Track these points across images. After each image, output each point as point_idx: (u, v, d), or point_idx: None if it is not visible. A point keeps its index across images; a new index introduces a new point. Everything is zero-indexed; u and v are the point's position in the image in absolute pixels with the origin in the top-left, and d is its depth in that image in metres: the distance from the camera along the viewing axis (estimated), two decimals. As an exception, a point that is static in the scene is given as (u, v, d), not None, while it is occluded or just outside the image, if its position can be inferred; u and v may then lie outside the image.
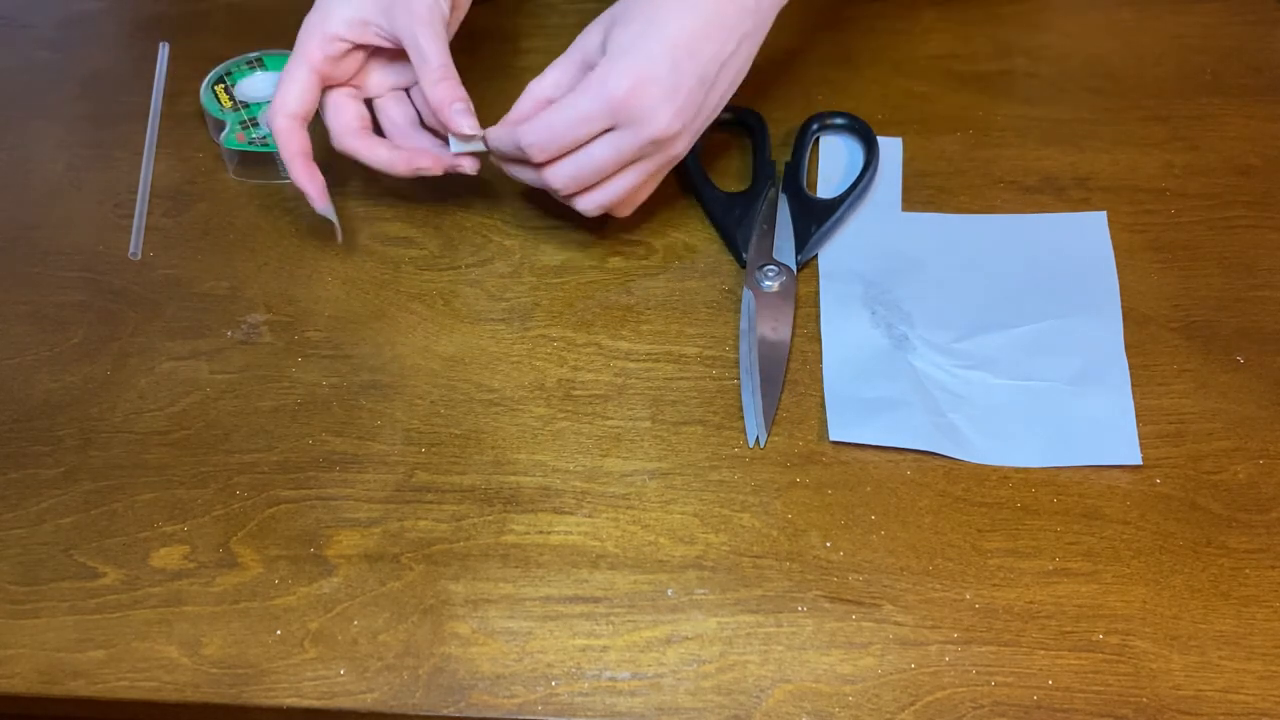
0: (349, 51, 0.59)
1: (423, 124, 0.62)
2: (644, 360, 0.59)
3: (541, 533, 0.53)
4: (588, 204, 0.58)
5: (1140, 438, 0.55)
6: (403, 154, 0.60)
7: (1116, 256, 0.62)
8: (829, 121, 0.69)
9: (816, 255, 0.63)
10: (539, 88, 0.58)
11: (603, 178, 0.57)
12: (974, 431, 0.55)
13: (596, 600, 0.50)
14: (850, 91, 0.72)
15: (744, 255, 0.62)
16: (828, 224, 0.63)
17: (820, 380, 0.57)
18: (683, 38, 0.54)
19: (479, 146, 0.58)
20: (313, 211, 0.62)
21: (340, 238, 0.63)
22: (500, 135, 0.57)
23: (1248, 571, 0.50)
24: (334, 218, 0.61)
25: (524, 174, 0.58)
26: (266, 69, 0.72)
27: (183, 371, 0.59)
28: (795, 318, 0.60)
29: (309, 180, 0.60)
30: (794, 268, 0.61)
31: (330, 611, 0.50)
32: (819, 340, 0.59)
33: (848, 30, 0.76)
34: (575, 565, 0.52)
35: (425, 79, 0.57)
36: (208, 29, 0.78)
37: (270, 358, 0.60)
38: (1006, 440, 0.55)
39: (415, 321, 0.61)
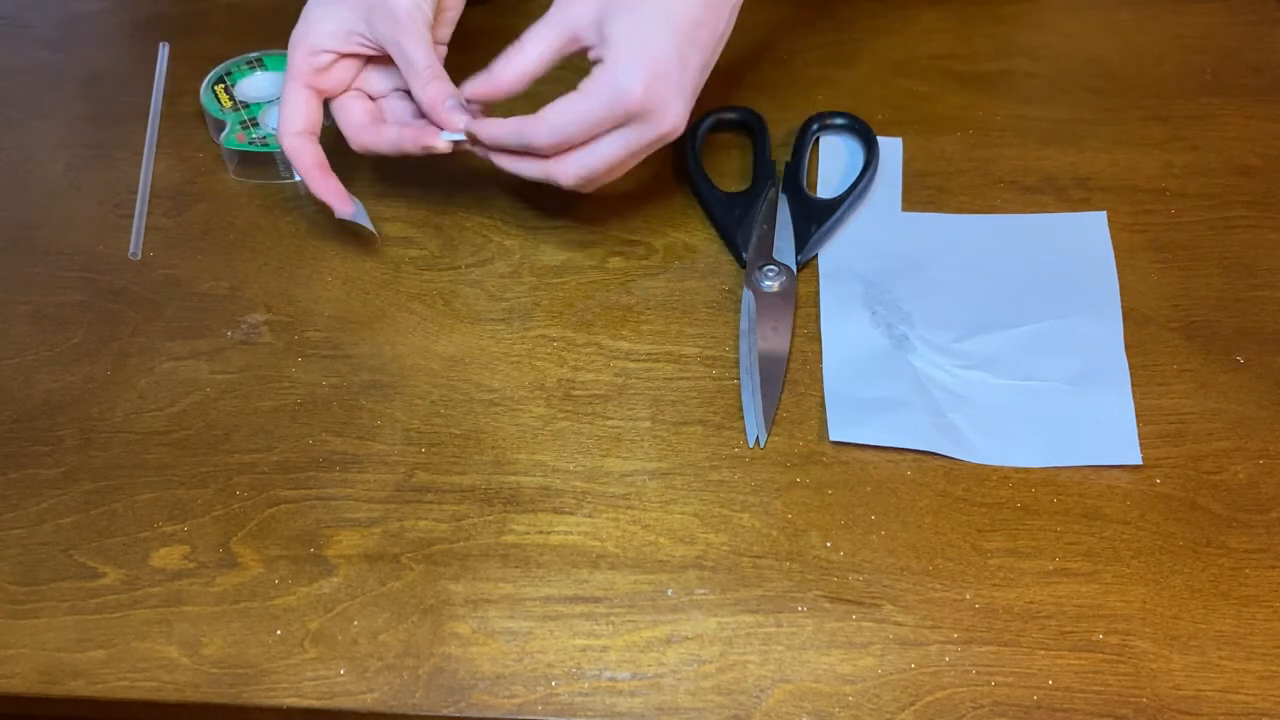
0: (337, 61, 0.59)
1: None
2: (644, 360, 0.59)
3: (541, 533, 0.53)
4: (571, 177, 0.57)
5: (1140, 438, 0.55)
6: (409, 131, 0.59)
7: (1116, 256, 0.62)
8: (829, 121, 0.69)
9: (816, 255, 0.63)
10: (523, 60, 0.56)
11: (609, 170, 0.56)
12: (974, 431, 0.55)
13: (596, 600, 0.50)
14: (850, 91, 0.72)
15: (744, 255, 0.62)
16: (828, 224, 0.63)
17: (820, 380, 0.57)
18: (686, 26, 0.54)
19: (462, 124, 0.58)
20: (312, 211, 0.62)
21: (378, 239, 0.63)
22: (505, 132, 0.56)
23: (1248, 571, 0.50)
24: (364, 221, 0.61)
25: (513, 165, 0.58)
26: (266, 69, 0.72)
27: (183, 371, 0.59)
28: (795, 318, 0.60)
29: (329, 192, 0.60)
30: (794, 268, 0.61)
31: (330, 611, 0.50)
32: (819, 340, 0.59)
33: (848, 30, 0.76)
34: (575, 565, 0.52)
35: (414, 82, 0.57)
36: (208, 29, 0.78)
37: (270, 358, 0.60)
38: (1006, 440, 0.55)
39: (415, 321, 0.61)
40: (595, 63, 0.55)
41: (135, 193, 0.68)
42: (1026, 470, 0.54)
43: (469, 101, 0.57)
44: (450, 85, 0.57)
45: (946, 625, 0.49)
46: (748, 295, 0.60)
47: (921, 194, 0.66)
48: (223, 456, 0.56)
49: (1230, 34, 0.75)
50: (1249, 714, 0.47)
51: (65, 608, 0.51)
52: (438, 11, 0.59)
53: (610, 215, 0.65)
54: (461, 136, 0.58)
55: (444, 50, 0.61)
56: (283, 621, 0.50)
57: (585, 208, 0.65)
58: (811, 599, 0.50)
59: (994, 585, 0.50)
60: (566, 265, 0.63)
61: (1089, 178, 0.66)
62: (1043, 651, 0.48)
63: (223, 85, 0.71)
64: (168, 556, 0.52)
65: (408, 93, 0.63)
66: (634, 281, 0.62)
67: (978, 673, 0.48)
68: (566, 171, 0.56)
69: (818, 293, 0.61)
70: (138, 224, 0.66)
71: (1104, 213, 0.64)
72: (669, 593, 0.51)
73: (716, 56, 0.57)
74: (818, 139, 0.69)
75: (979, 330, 0.59)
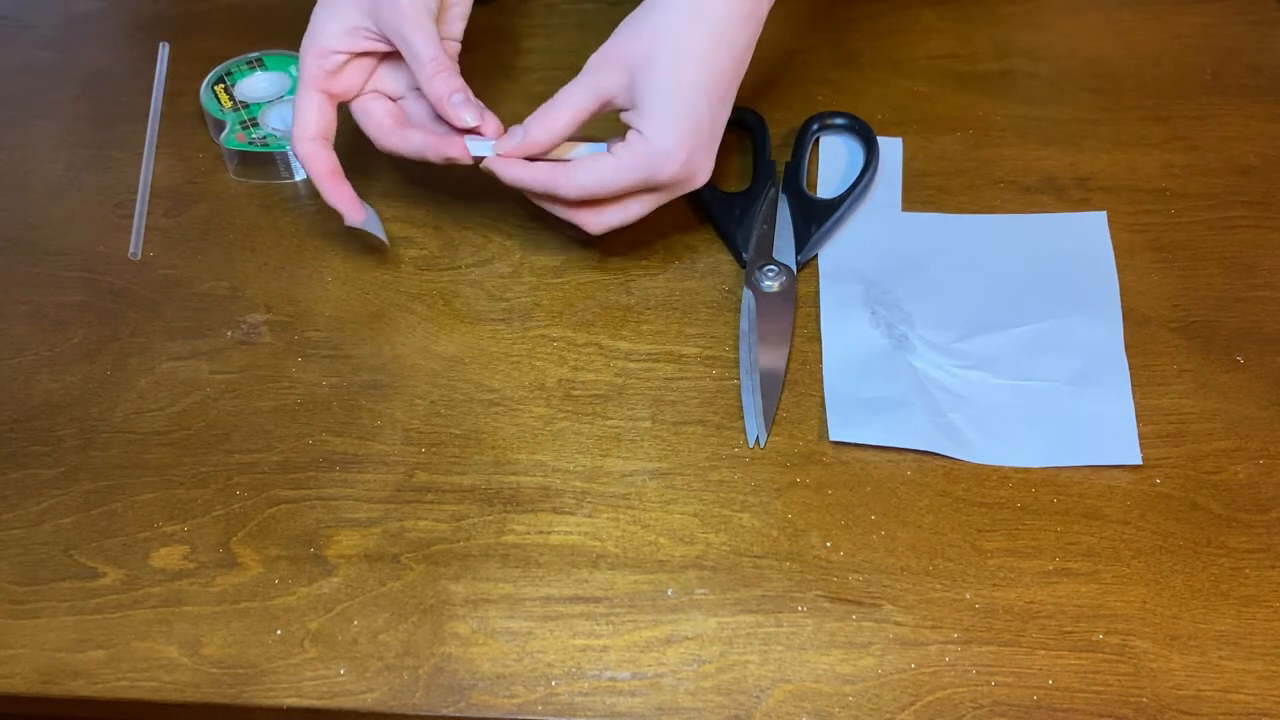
0: (349, 62, 0.59)
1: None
2: (644, 360, 0.59)
3: (541, 533, 0.53)
4: (598, 228, 0.58)
5: (1140, 438, 0.55)
6: (431, 140, 0.58)
7: (1116, 256, 0.62)
8: (829, 121, 0.69)
9: (816, 255, 0.63)
10: (556, 123, 0.56)
11: (635, 221, 0.58)
12: (974, 431, 0.55)
13: (596, 600, 0.50)
14: (850, 91, 0.72)
15: (744, 255, 0.62)
16: (828, 224, 0.63)
17: (820, 380, 0.57)
18: (719, 86, 0.55)
19: (491, 152, 0.58)
20: (312, 211, 0.62)
21: (388, 246, 0.63)
22: (532, 179, 0.56)
23: (1248, 571, 0.50)
24: (376, 229, 0.60)
25: (536, 199, 0.58)
26: (266, 69, 0.72)
27: (183, 371, 0.59)
28: (795, 318, 0.60)
29: (341, 199, 0.59)
30: (794, 268, 0.61)
31: (330, 611, 0.50)
32: (819, 340, 0.59)
33: (848, 30, 0.76)
34: (575, 565, 0.52)
35: (420, 75, 0.56)
36: (208, 29, 0.78)
37: (270, 358, 0.60)
38: (1006, 440, 0.55)
39: (415, 321, 0.61)
40: (628, 125, 0.55)
41: (135, 193, 0.68)
42: (1026, 470, 0.54)
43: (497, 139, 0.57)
44: (458, 79, 0.57)
45: (946, 625, 0.49)
46: (748, 295, 0.60)
47: (921, 194, 0.66)
48: (223, 456, 0.56)
49: (1230, 34, 0.75)
50: (1249, 714, 0.47)
51: (65, 608, 0.51)
52: (445, 7, 0.58)
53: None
54: (489, 151, 0.57)
55: (457, 47, 0.60)
56: (283, 621, 0.50)
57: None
58: (811, 599, 0.50)
59: (994, 585, 0.50)
60: (566, 265, 0.63)
61: (1089, 178, 0.66)
62: (1043, 651, 0.48)
63: (223, 85, 0.71)
64: (168, 556, 0.52)
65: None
66: (634, 281, 0.62)
67: (978, 673, 0.48)
68: (595, 223, 0.58)
69: (818, 293, 0.61)
70: (138, 224, 0.66)
71: (1104, 213, 0.64)
72: (669, 593, 0.51)
73: None
74: (818, 139, 0.69)
75: (979, 330, 0.59)
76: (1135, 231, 0.64)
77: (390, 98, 0.61)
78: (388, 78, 0.61)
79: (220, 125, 0.69)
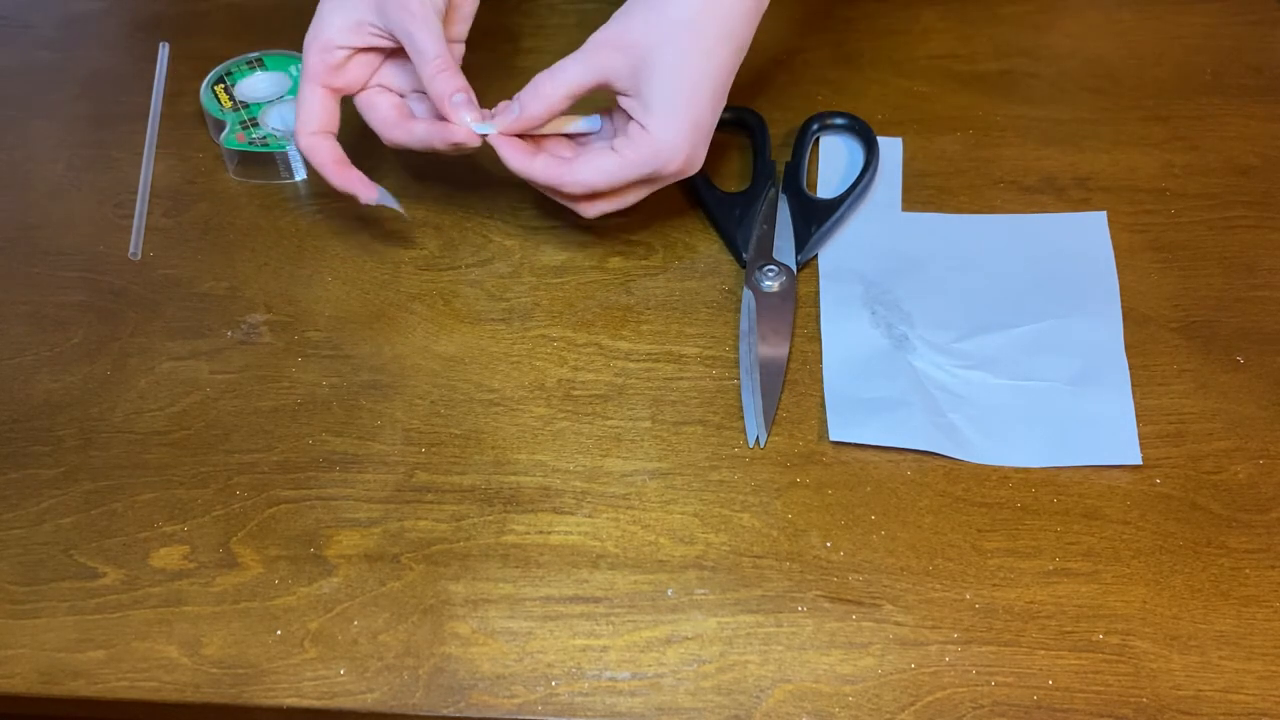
0: (352, 57, 0.59)
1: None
2: (644, 360, 0.59)
3: (541, 533, 0.53)
4: (593, 214, 0.59)
5: (1140, 438, 0.55)
6: (436, 128, 0.58)
7: (1116, 256, 0.62)
8: (829, 121, 0.69)
9: (816, 255, 0.63)
10: (551, 99, 0.56)
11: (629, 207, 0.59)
12: (974, 431, 0.55)
13: (596, 600, 0.50)
14: (850, 91, 0.72)
15: (744, 255, 0.62)
16: (828, 224, 0.63)
17: (820, 380, 0.57)
18: (721, 76, 0.55)
19: (494, 130, 0.58)
20: (312, 211, 0.62)
21: (406, 215, 0.63)
22: (533, 170, 0.57)
23: (1248, 571, 0.50)
24: (391, 201, 0.60)
25: (534, 186, 0.59)
26: (266, 69, 0.72)
27: (183, 371, 0.59)
28: (795, 318, 0.60)
29: (351, 182, 0.59)
30: (794, 268, 0.61)
31: (330, 611, 0.50)
32: (819, 340, 0.59)
33: (848, 30, 0.76)
34: (575, 565, 0.52)
35: (423, 72, 0.56)
36: (208, 29, 0.78)
37: (270, 358, 0.60)
38: (1006, 440, 0.55)
39: (415, 321, 0.61)
40: (626, 111, 0.56)
41: (135, 193, 0.68)
42: (1026, 470, 0.54)
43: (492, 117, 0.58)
44: (459, 78, 0.57)
45: (946, 625, 0.49)
46: (748, 295, 0.60)
47: (921, 194, 0.66)
48: (223, 456, 0.56)
49: (1230, 34, 0.75)
50: (1249, 714, 0.47)
51: (65, 608, 0.51)
52: (452, 8, 0.58)
53: (610, 215, 0.65)
54: (492, 129, 0.57)
55: (461, 49, 0.61)
56: (283, 621, 0.50)
57: (585, 208, 0.65)
58: (811, 599, 0.50)
59: (994, 585, 0.50)
60: (566, 265, 0.63)
61: (1089, 178, 0.66)
62: (1043, 651, 0.48)
63: (223, 85, 0.71)
64: (168, 556, 0.52)
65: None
66: (634, 281, 0.62)
67: (978, 673, 0.48)
68: (591, 210, 0.59)
69: (818, 293, 0.61)
70: (138, 224, 0.66)
71: (1104, 213, 0.64)
72: (669, 593, 0.51)
73: None
74: (818, 139, 0.69)
75: (979, 330, 0.59)
76: (1135, 231, 0.64)
77: (402, 93, 0.61)
78: (392, 74, 0.60)
79: (220, 125, 0.69)
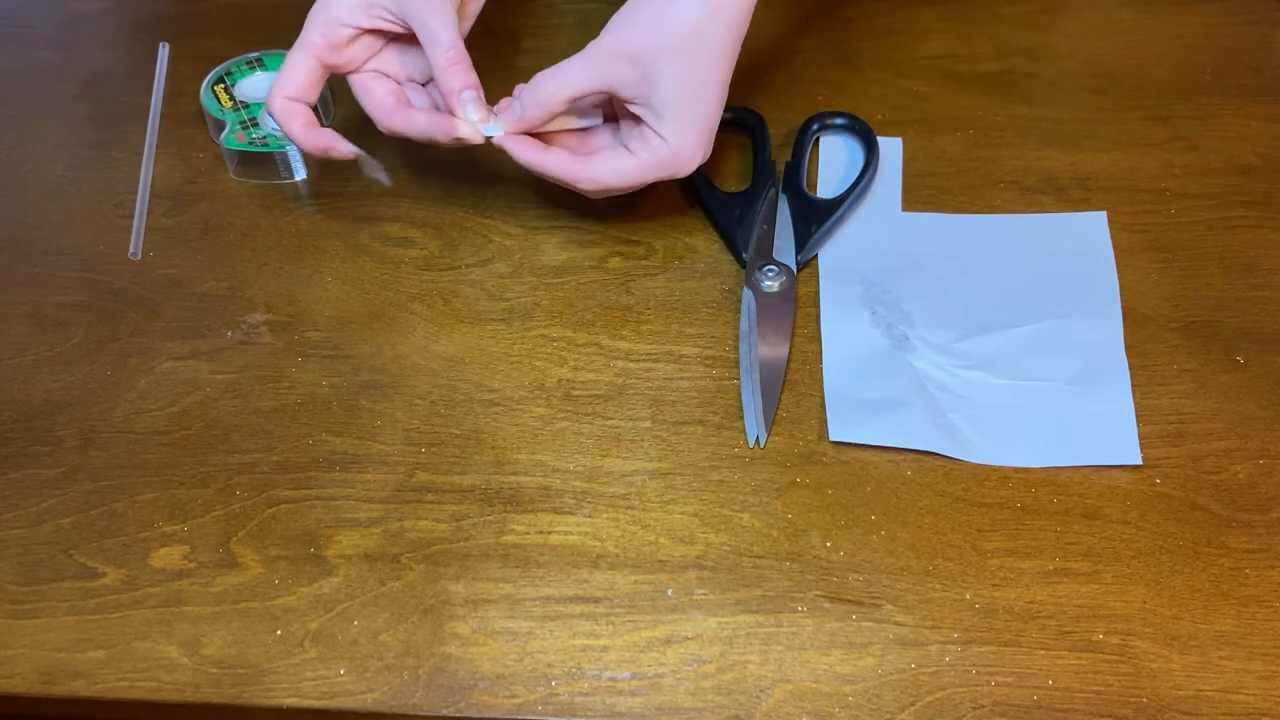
0: (356, 38, 0.58)
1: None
2: (644, 360, 0.59)
3: (541, 533, 0.53)
4: (598, 198, 0.60)
5: (1140, 438, 0.55)
6: (441, 120, 0.57)
7: (1116, 256, 0.62)
8: (829, 121, 0.69)
9: (816, 255, 0.63)
10: (553, 102, 0.56)
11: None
12: (974, 431, 0.55)
13: (596, 600, 0.50)
14: (850, 91, 0.72)
15: (744, 255, 0.62)
16: (828, 224, 0.63)
17: (820, 380, 0.57)
18: (726, 76, 0.56)
19: (498, 132, 0.58)
20: (312, 211, 0.62)
21: (387, 180, 0.63)
22: (547, 165, 0.57)
23: (1248, 571, 0.50)
24: (377, 170, 0.60)
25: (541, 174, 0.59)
26: (266, 69, 0.72)
27: (183, 371, 0.59)
28: (795, 318, 0.60)
29: (325, 139, 0.58)
30: (794, 268, 0.61)
31: (330, 611, 0.50)
32: (819, 340, 0.59)
33: (848, 30, 0.76)
34: (575, 565, 0.52)
35: (436, 63, 0.56)
36: (208, 29, 0.78)
37: (270, 358, 0.60)
38: (1006, 440, 0.55)
39: (415, 321, 0.61)
40: (640, 119, 0.56)
41: (135, 193, 0.68)
42: (1026, 470, 0.54)
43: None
44: (471, 74, 0.56)
45: (946, 625, 0.49)
46: (748, 295, 0.60)
47: (921, 194, 0.66)
48: (223, 456, 0.56)
49: (1230, 34, 0.75)
50: (1249, 714, 0.47)
51: (65, 608, 0.51)
52: (462, 2, 0.58)
53: (610, 215, 0.65)
54: (498, 131, 0.57)
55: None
56: (283, 621, 0.50)
57: (585, 208, 0.65)
58: (811, 599, 0.50)
59: (994, 585, 0.50)
60: (566, 265, 0.63)
61: (1089, 178, 0.66)
62: (1043, 651, 0.48)
63: (223, 85, 0.71)
64: (168, 556, 0.52)
65: (423, 84, 0.62)
66: (634, 281, 0.62)
67: (978, 673, 0.48)
68: (597, 196, 0.59)
69: (818, 293, 0.61)
70: (138, 224, 0.66)
71: (1104, 213, 0.64)
72: (669, 593, 0.51)
73: None
74: (818, 139, 0.69)
75: (979, 330, 0.59)
76: (1135, 231, 0.64)
77: (408, 81, 0.61)
78: (392, 60, 0.60)
79: (220, 125, 0.69)
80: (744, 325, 0.59)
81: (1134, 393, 0.56)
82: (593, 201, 0.63)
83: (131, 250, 0.65)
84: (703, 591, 0.51)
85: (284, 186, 0.68)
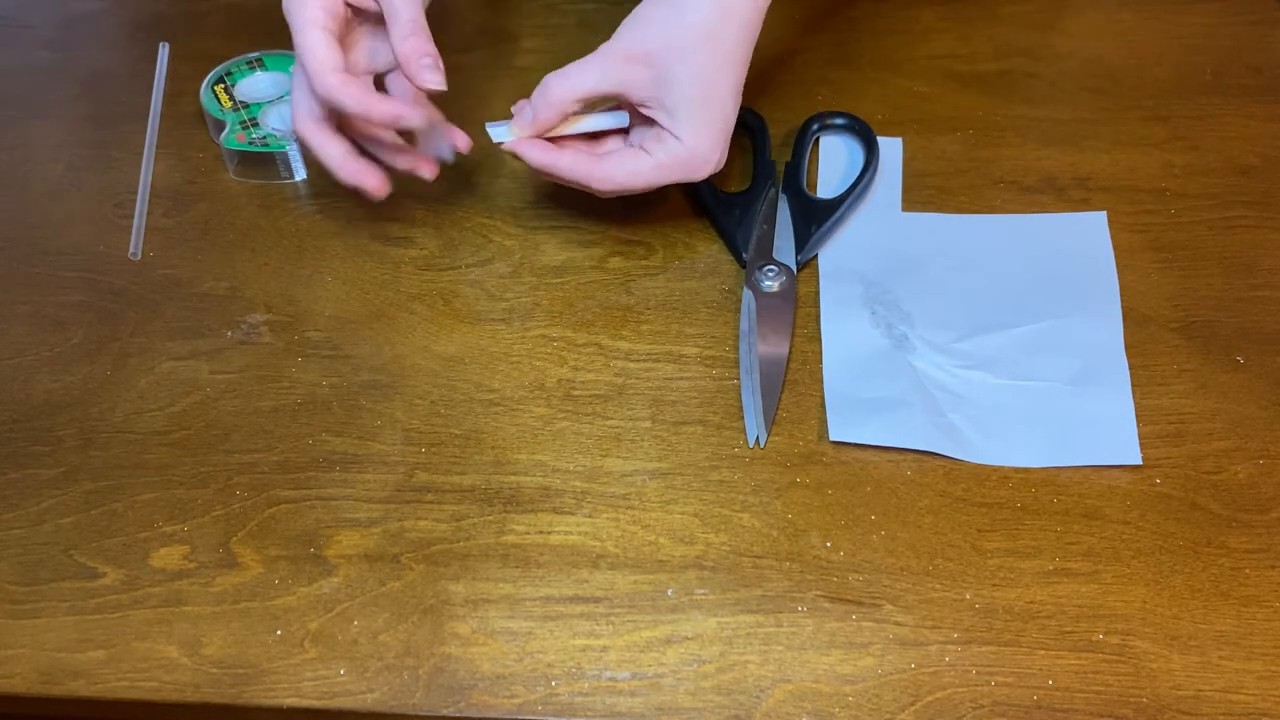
0: (350, 17, 0.58)
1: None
2: (644, 360, 0.59)
3: (541, 533, 0.53)
4: (608, 196, 0.60)
5: (1140, 438, 0.55)
6: (390, 104, 0.56)
7: (1116, 256, 0.62)
8: (829, 121, 0.69)
9: (816, 255, 0.63)
10: (565, 102, 0.56)
11: None
12: (974, 431, 0.55)
13: (596, 600, 0.50)
14: (850, 91, 0.72)
15: (744, 255, 0.62)
16: (828, 224, 0.63)
17: (820, 380, 0.57)
18: (741, 77, 0.56)
19: (511, 136, 0.58)
20: (312, 211, 0.62)
21: (450, 155, 0.61)
22: (561, 165, 0.58)
23: (1248, 571, 0.50)
24: (443, 152, 0.59)
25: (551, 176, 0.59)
26: (266, 69, 0.72)
27: (183, 371, 0.59)
28: (795, 318, 0.60)
29: (391, 106, 0.56)
30: (794, 268, 0.61)
31: (330, 611, 0.50)
32: (819, 340, 0.59)
33: (848, 30, 0.76)
34: (575, 565, 0.52)
35: (394, 34, 0.56)
36: (208, 29, 0.78)
37: (270, 358, 0.60)
38: (1006, 440, 0.55)
39: (415, 321, 0.61)
40: (653, 119, 0.56)
41: (135, 193, 0.68)
42: (1026, 470, 0.54)
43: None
44: (429, 44, 0.56)
45: (946, 625, 0.49)
46: (748, 295, 0.60)
47: (921, 194, 0.66)
48: (223, 456, 0.56)
49: (1230, 34, 0.75)
50: (1249, 714, 0.47)
51: (65, 608, 0.51)
52: None
53: (610, 215, 0.65)
54: (509, 137, 0.58)
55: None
56: (283, 621, 0.50)
57: (585, 208, 0.65)
58: (811, 599, 0.50)
59: (994, 585, 0.50)
60: (566, 265, 0.63)
61: (1089, 178, 0.66)
62: (1043, 651, 0.48)
63: (223, 85, 0.71)
64: (168, 556, 0.52)
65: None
66: (634, 281, 0.62)
67: (978, 673, 0.48)
68: (609, 195, 0.59)
69: (818, 293, 0.61)
70: (138, 224, 0.66)
71: (1104, 213, 0.64)
72: (669, 593, 0.51)
73: None
74: (818, 139, 0.69)
75: (979, 330, 0.59)
76: (1135, 231, 0.64)
77: (375, 72, 0.61)
78: (363, 53, 0.60)
79: (220, 125, 0.69)
80: (744, 325, 0.59)
81: (1134, 393, 0.56)
82: (593, 202, 0.63)
83: (131, 250, 0.65)
84: (703, 591, 0.51)
85: (284, 186, 0.68)
